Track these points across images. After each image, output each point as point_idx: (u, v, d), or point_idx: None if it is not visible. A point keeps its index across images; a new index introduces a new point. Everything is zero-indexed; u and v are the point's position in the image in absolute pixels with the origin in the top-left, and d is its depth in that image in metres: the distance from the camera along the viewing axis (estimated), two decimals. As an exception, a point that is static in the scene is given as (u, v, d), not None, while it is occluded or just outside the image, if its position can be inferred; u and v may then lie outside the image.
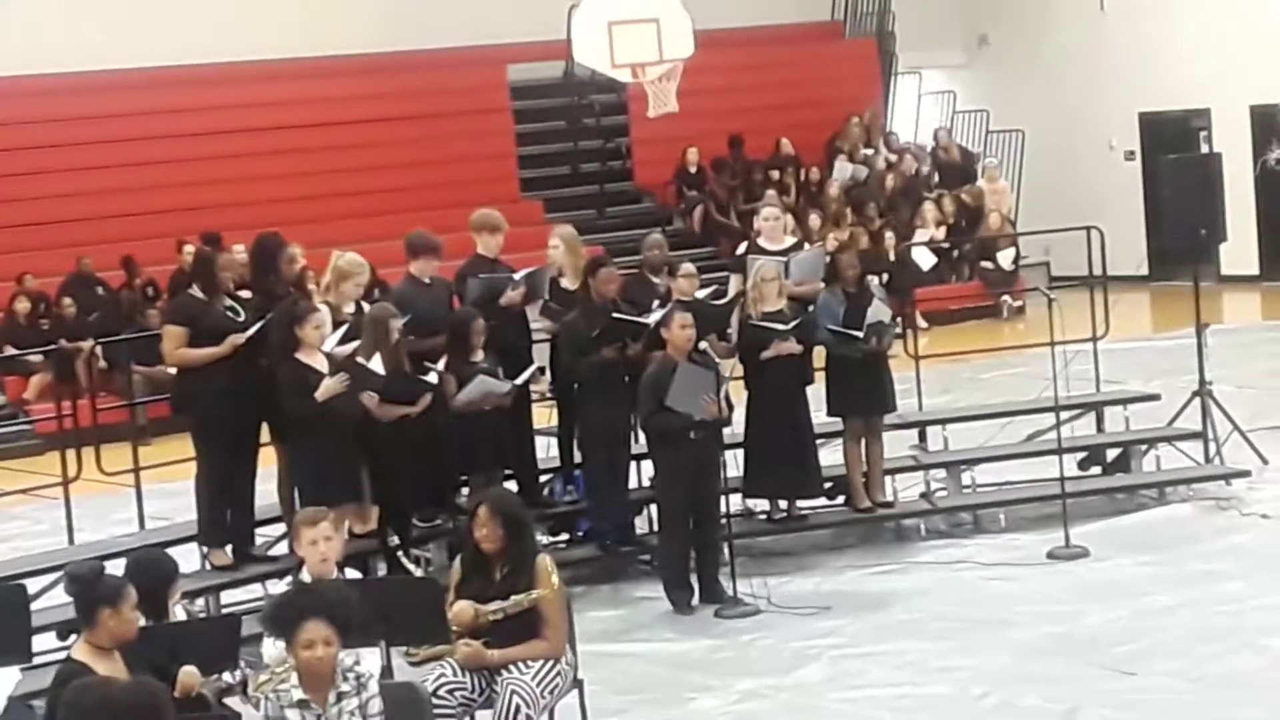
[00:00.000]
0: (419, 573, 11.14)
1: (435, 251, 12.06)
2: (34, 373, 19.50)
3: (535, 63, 24.59)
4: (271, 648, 7.62)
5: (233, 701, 7.85)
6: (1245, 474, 13.15)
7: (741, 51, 25.41)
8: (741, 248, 13.83)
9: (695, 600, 11.33)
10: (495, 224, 12.43)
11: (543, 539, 11.43)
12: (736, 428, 11.92)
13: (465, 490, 11.85)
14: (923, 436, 13.81)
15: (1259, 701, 8.96)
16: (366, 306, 11.70)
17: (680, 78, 17.37)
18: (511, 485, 11.59)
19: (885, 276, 17.03)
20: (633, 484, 12.45)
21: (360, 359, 11.06)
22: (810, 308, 12.41)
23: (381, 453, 11.20)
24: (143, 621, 7.45)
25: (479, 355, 11.60)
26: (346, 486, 10.96)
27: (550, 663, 8.18)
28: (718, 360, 11.65)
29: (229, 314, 11.13)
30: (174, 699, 6.87)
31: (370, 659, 7.72)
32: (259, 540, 11.70)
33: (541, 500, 12.33)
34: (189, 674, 7.40)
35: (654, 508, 11.98)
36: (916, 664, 9.94)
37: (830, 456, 12.67)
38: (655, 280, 12.73)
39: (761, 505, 12.64)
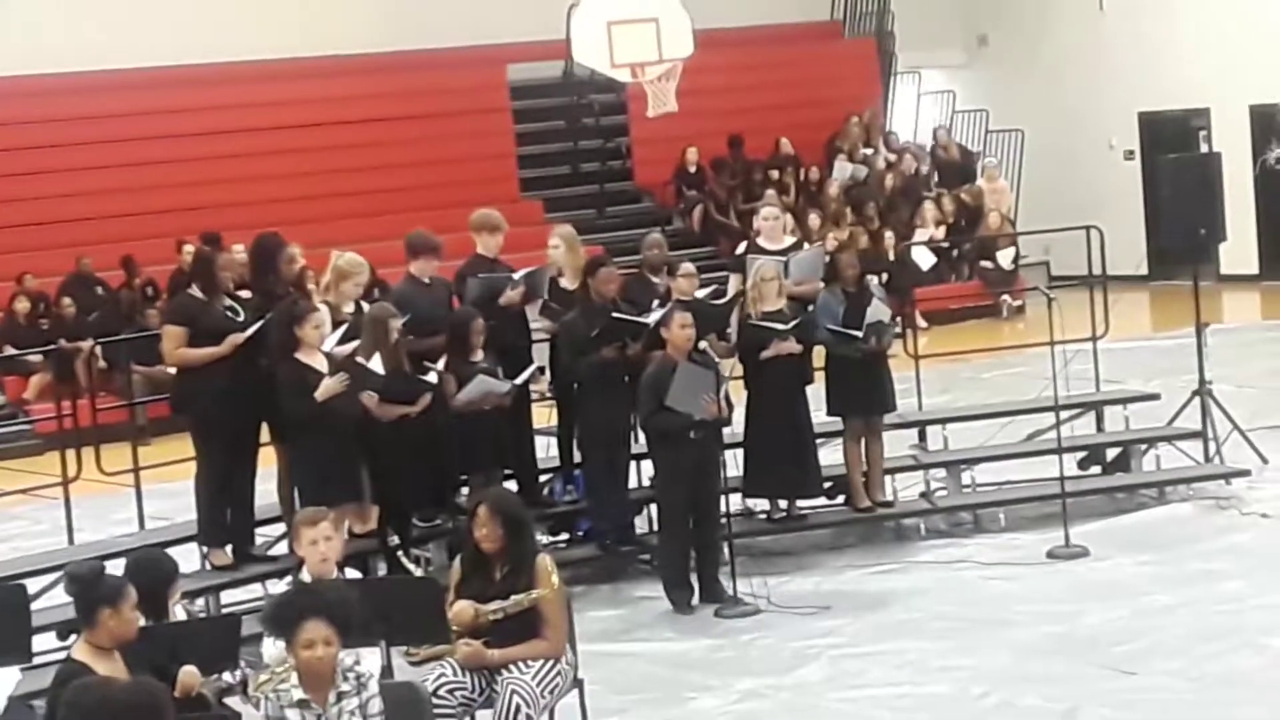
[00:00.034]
0: (419, 572, 11.14)
1: (435, 251, 12.06)
2: (34, 373, 19.50)
3: (535, 62, 24.59)
4: (272, 647, 7.62)
5: (233, 701, 7.85)
6: (1245, 473, 13.15)
7: (741, 51, 25.41)
8: (741, 247, 13.82)
9: (695, 600, 11.33)
10: (495, 224, 12.43)
11: (542, 539, 11.44)
12: (736, 427, 11.92)
13: (465, 490, 11.85)
14: (922, 436, 13.81)
15: (1259, 701, 8.96)
16: (366, 306, 11.70)
17: (680, 77, 17.37)
18: (511, 485, 11.59)
19: (885, 276, 17.04)
20: (632, 484, 12.45)
21: (360, 359, 11.06)
22: (810, 307, 12.41)
23: (381, 452, 11.20)
24: (143, 621, 7.45)
25: (479, 355, 11.61)
26: (346, 486, 10.96)
27: (550, 662, 8.18)
28: (717, 360, 11.65)
29: (228, 314, 11.13)
30: (174, 699, 6.87)
31: (370, 659, 7.72)
32: (259, 540, 11.70)
33: (541, 500, 12.33)
34: (189, 674, 7.41)
35: (654, 507, 11.99)
36: (916, 663, 9.94)
37: (830, 456, 12.67)
38: (655, 280, 12.73)
39: (761, 505, 12.64)
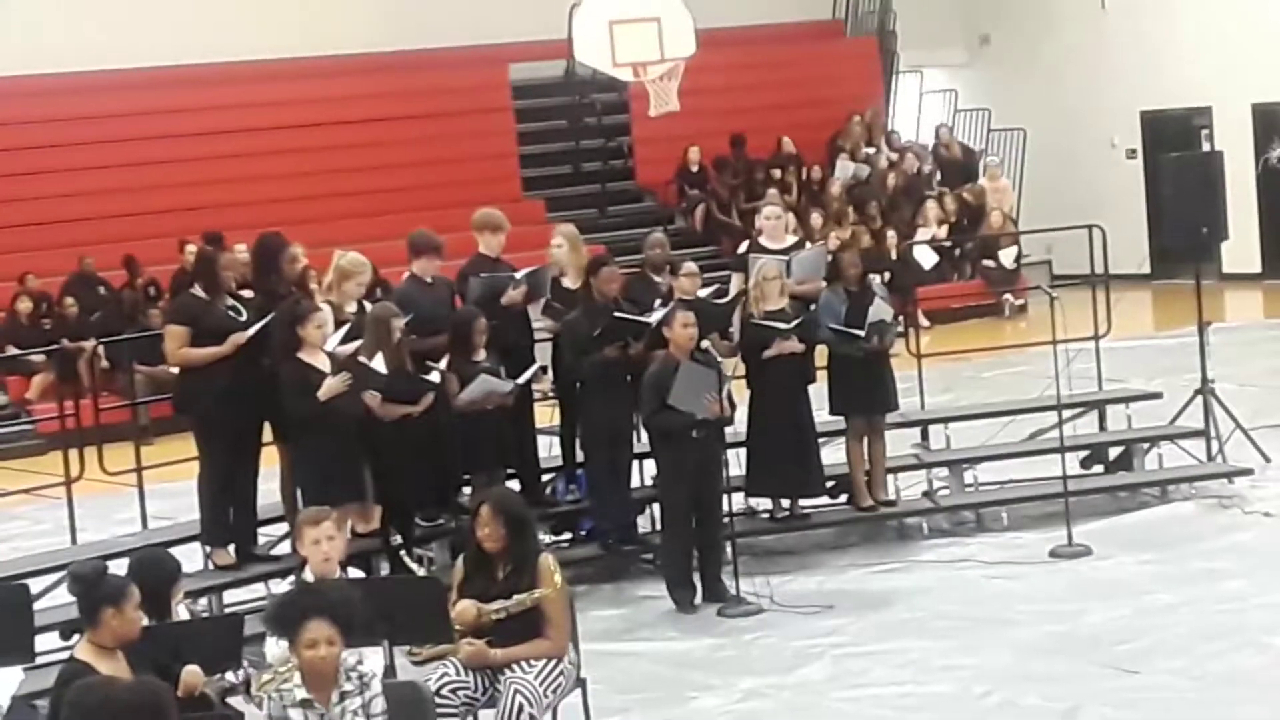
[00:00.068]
0: (422, 572, 11.12)
1: (437, 251, 12.06)
2: (36, 372, 19.51)
3: (537, 62, 24.60)
4: (274, 647, 7.62)
5: (236, 701, 7.85)
6: (1247, 472, 13.16)
7: (743, 50, 25.41)
8: (743, 247, 13.82)
9: (698, 599, 11.33)
10: (497, 223, 12.43)
11: (545, 538, 11.43)
12: (739, 426, 11.92)
13: (467, 489, 11.85)
14: (925, 435, 13.82)
15: (1261, 700, 8.96)
16: (368, 306, 11.69)
17: (681, 77, 17.37)
18: (514, 484, 11.59)
19: (887, 275, 17.04)
20: (635, 483, 12.44)
21: (362, 358, 11.06)
22: (812, 307, 12.41)
23: (384, 452, 11.20)
24: (145, 621, 7.45)
25: (481, 354, 11.61)
26: (349, 486, 10.96)
27: (553, 662, 8.18)
28: (720, 359, 11.65)
29: (231, 313, 11.13)
30: (177, 699, 6.88)
31: (373, 658, 7.71)
32: (262, 540, 11.70)
33: (544, 499, 12.33)
34: (192, 673, 7.41)
35: (656, 507, 11.99)
36: (919, 663, 9.93)
37: (832, 455, 12.67)
38: (657, 279, 12.73)
39: (764, 504, 12.63)
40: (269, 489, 11.52)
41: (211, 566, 11.30)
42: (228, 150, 22.62)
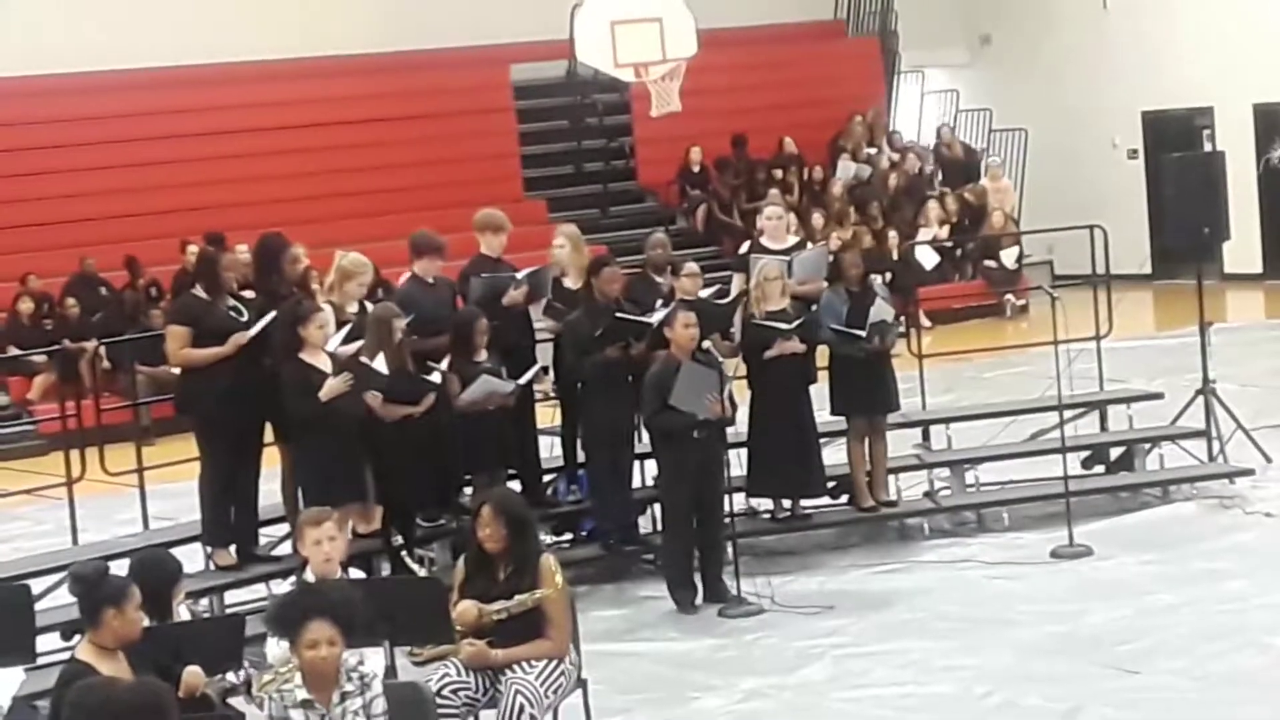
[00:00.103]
0: (423, 572, 11.10)
1: (439, 251, 12.05)
2: (38, 373, 19.50)
3: (538, 62, 24.60)
4: (275, 648, 7.62)
5: (237, 701, 7.85)
6: (1249, 472, 13.16)
7: (744, 51, 25.41)
8: (744, 247, 13.82)
9: (699, 599, 11.33)
10: (498, 224, 12.43)
11: (546, 538, 11.43)
12: (740, 427, 11.92)
13: (469, 490, 11.85)
14: (926, 435, 13.81)
15: (1263, 700, 8.96)
16: (370, 306, 11.69)
17: (683, 77, 17.36)
18: (515, 485, 11.59)
19: (888, 275, 17.02)
20: (636, 483, 12.44)
21: (364, 359, 11.06)
22: (813, 307, 12.40)
23: (385, 452, 11.20)
24: (147, 622, 7.45)
25: (482, 355, 11.61)
26: (350, 486, 10.96)
27: (554, 662, 8.18)
28: (721, 359, 11.65)
29: (232, 314, 11.13)
30: (178, 699, 6.87)
31: (374, 659, 7.71)
32: (263, 540, 11.70)
33: (545, 500, 12.33)
34: (193, 674, 7.40)
35: (657, 507, 11.99)
36: (920, 663, 9.93)
37: (834, 455, 12.66)
38: (658, 279, 12.73)
39: (765, 504, 12.64)
40: (270, 489, 11.52)
41: (213, 567, 11.30)
42: (229, 151, 22.62)
